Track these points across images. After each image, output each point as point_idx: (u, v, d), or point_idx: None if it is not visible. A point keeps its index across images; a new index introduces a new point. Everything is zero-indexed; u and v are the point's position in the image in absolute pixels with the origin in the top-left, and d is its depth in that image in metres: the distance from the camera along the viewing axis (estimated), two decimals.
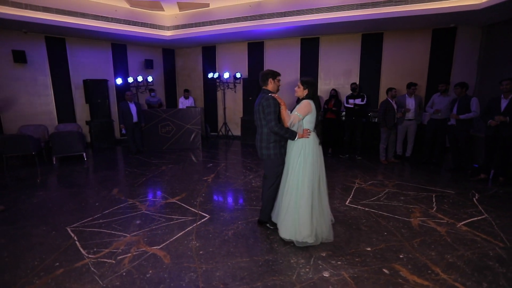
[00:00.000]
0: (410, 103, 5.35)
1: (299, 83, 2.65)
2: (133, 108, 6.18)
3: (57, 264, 2.27)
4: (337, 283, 2.04)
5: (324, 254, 2.40)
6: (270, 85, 2.64)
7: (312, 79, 2.67)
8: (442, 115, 5.01)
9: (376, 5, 5.47)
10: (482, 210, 3.26)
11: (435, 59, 6.24)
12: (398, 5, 5.33)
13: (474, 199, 3.61)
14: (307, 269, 2.20)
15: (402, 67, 6.53)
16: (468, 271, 2.18)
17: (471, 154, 4.73)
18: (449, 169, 4.95)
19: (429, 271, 2.17)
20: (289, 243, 2.57)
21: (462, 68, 6.06)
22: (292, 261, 2.31)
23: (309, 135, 2.57)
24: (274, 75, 2.63)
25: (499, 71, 5.33)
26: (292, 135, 2.57)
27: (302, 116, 2.56)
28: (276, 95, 2.57)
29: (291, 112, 2.65)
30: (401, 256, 2.38)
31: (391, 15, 5.39)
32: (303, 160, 2.53)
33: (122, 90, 7.70)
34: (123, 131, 6.31)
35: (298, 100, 2.71)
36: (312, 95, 2.62)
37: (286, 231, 2.55)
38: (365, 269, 2.21)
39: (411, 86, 5.34)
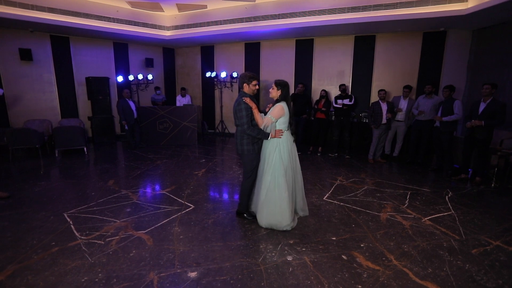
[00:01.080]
0: (403, 104, 5.53)
1: (273, 85, 2.87)
2: (132, 105, 6.51)
3: (53, 243, 2.57)
4: (297, 266, 2.29)
5: (291, 242, 2.65)
6: (246, 89, 2.88)
7: (285, 81, 2.88)
8: (426, 116, 5.19)
9: (366, 8, 5.66)
10: (450, 207, 3.47)
11: (425, 62, 6.39)
12: (388, 9, 5.51)
13: (447, 197, 3.81)
14: (273, 254, 2.45)
15: (393, 69, 6.69)
16: (418, 258, 2.41)
17: (453, 155, 4.91)
18: (432, 169, 5.14)
19: (384, 258, 2.41)
20: (263, 231, 2.82)
21: (452, 71, 6.20)
22: (261, 246, 2.57)
23: (281, 135, 2.81)
24: (249, 80, 2.85)
25: (489, 75, 5.47)
26: (264, 135, 2.81)
27: (275, 119, 2.80)
28: (248, 99, 2.76)
29: (265, 114, 2.90)
30: (361, 245, 2.61)
31: (381, 19, 5.57)
32: (279, 157, 2.78)
33: (123, 88, 8.01)
34: (126, 127, 6.60)
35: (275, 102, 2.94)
36: (285, 96, 2.84)
37: (265, 220, 2.84)
38: (325, 255, 2.45)
39: (404, 88, 5.53)
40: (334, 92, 6.95)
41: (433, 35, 6.21)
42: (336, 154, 6.14)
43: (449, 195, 3.87)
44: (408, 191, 4.01)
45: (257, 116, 2.79)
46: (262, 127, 2.82)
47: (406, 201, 3.65)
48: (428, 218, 3.18)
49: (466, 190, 4.09)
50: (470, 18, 5.11)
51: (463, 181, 4.42)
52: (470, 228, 2.94)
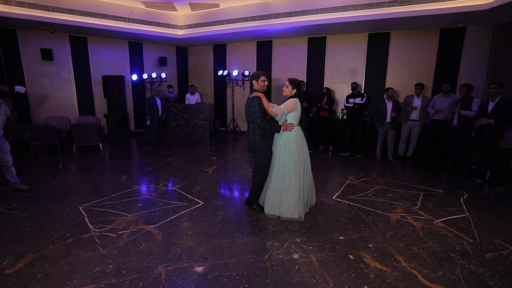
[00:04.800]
0: (417, 103, 5.38)
1: (287, 83, 2.98)
2: (159, 102, 6.71)
3: (69, 234, 2.68)
4: (303, 264, 2.29)
5: (298, 240, 2.65)
6: (256, 85, 3.00)
7: (298, 80, 3.01)
8: (443, 115, 5.03)
9: (380, 5, 5.53)
10: (465, 209, 3.35)
11: (442, 59, 6.18)
12: (403, 5, 5.37)
13: (462, 199, 3.69)
14: (280, 251, 2.46)
15: (408, 67, 6.52)
16: (429, 261, 2.35)
17: (469, 156, 4.73)
18: (447, 170, 4.98)
19: (392, 259, 2.37)
20: (270, 229, 2.83)
21: (471, 69, 5.97)
22: (268, 244, 2.58)
23: (292, 128, 2.93)
24: (258, 76, 2.97)
25: (511, 73, 5.22)
26: (277, 128, 2.93)
27: (287, 110, 2.90)
28: (257, 93, 2.91)
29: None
30: (370, 245, 2.58)
31: (396, 15, 5.44)
32: (289, 151, 2.92)
33: (138, 86, 8.24)
34: (148, 123, 6.82)
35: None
36: (298, 94, 2.97)
37: (274, 209, 3.03)
38: (332, 254, 2.44)
39: (416, 86, 5.39)
40: (347, 90, 6.85)
41: (451, 31, 5.99)
42: (348, 153, 6.05)
43: (464, 197, 3.73)
44: (420, 192, 3.91)
45: (267, 105, 2.88)
46: (272, 114, 2.90)
47: (418, 202, 3.56)
48: (440, 220, 3.09)
49: (482, 192, 3.94)
50: (491, 13, 4.90)
51: (479, 186, 4.19)
52: (485, 232, 2.83)
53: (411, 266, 2.28)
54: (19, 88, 3.79)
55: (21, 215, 3.08)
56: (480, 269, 2.24)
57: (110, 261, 2.28)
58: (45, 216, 3.06)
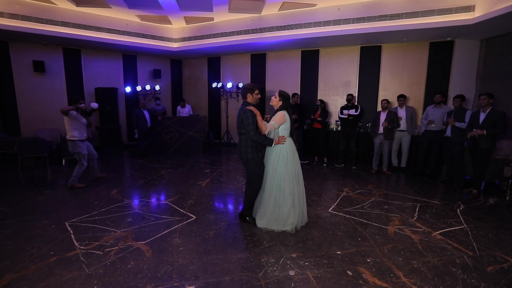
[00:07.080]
0: (401, 113, 5.44)
1: (276, 94, 3.04)
2: (146, 114, 6.64)
3: (52, 253, 2.54)
4: (299, 281, 2.19)
5: (294, 255, 2.55)
6: (249, 98, 3.02)
7: (288, 94, 3.07)
8: (436, 126, 5.07)
9: (371, 19, 5.67)
10: (462, 221, 3.31)
11: (432, 72, 6.31)
12: (393, 19, 5.51)
13: (458, 210, 3.65)
14: (275, 268, 2.36)
15: (400, 79, 6.63)
16: (429, 276, 2.27)
17: (464, 167, 4.74)
18: (442, 180, 4.97)
19: (391, 275, 2.28)
20: (265, 244, 2.73)
21: (461, 81, 6.09)
22: (262, 260, 2.48)
23: (284, 141, 2.96)
24: (252, 90, 3.00)
25: (499, 84, 5.34)
26: (269, 142, 2.93)
27: (277, 125, 2.96)
28: (252, 108, 2.89)
29: (268, 122, 3.04)
30: (368, 260, 2.49)
31: (386, 29, 5.56)
32: (283, 163, 2.92)
33: (131, 98, 8.17)
34: (136, 136, 6.72)
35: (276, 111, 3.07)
36: (286, 107, 3.01)
37: (268, 222, 2.99)
38: (330, 270, 2.34)
39: (399, 98, 5.48)
40: (340, 102, 6.91)
41: (440, 45, 6.15)
42: (343, 165, 6.02)
43: (461, 208, 3.70)
44: (417, 204, 3.87)
45: (261, 123, 2.88)
46: (266, 133, 2.91)
47: (415, 214, 3.51)
48: (438, 232, 3.03)
49: (478, 203, 3.91)
50: (478, 28, 5.05)
51: (474, 197, 4.17)
52: (484, 244, 2.78)
53: (412, 281, 2.20)
54: (93, 105, 4.28)
55: (2, 232, 2.92)
56: (482, 284, 2.17)
57: (95, 281, 2.14)
58: (28, 233, 2.91)
